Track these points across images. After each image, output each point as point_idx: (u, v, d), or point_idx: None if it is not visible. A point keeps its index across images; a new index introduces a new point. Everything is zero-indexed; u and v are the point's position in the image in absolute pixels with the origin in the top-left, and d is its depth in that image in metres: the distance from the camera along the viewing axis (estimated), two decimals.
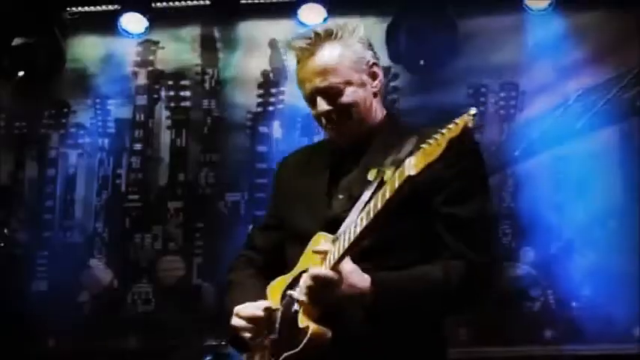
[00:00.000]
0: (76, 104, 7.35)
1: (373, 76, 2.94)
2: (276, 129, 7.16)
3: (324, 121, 2.90)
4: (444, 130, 2.35)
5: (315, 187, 2.95)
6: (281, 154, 6.80)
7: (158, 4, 7.09)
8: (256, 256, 3.15)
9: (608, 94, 6.69)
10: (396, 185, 2.43)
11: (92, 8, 7.17)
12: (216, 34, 7.33)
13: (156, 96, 7.33)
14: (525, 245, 6.61)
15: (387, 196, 2.46)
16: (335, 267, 2.58)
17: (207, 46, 7.32)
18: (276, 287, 2.91)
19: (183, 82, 7.31)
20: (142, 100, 7.33)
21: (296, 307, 2.72)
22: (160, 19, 7.11)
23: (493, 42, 6.80)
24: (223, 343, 5.76)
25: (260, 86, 7.22)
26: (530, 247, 6.60)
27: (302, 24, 6.87)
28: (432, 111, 6.62)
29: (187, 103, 7.29)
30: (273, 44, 7.17)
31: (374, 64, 2.94)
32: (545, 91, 6.75)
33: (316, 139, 6.80)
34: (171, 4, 7.15)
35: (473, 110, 2.34)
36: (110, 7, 7.12)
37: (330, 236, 2.71)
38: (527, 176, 6.71)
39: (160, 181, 7.22)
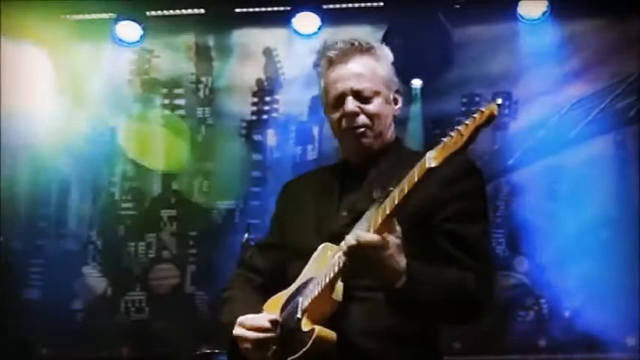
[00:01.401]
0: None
1: (395, 100, 3.00)
2: (271, 137, 7.16)
3: (344, 123, 2.92)
4: (467, 121, 2.36)
5: (321, 206, 2.97)
6: (275, 163, 6.99)
7: (153, 12, 7.09)
8: (254, 277, 3.13)
9: (602, 104, 6.70)
10: (416, 178, 2.44)
11: (87, 16, 7.17)
12: (211, 42, 7.33)
13: (151, 104, 7.32)
14: (519, 254, 6.62)
15: (406, 189, 2.46)
16: (379, 232, 2.55)
17: (202, 54, 7.32)
18: (274, 303, 2.91)
19: (177, 91, 7.31)
20: (136, 108, 7.33)
21: (299, 315, 2.73)
22: (154, 27, 7.11)
23: (487, 51, 6.82)
24: (217, 351, 5.76)
25: (254, 94, 7.22)
26: (524, 256, 6.61)
27: (296, 33, 6.90)
28: (425, 120, 6.64)
29: (182, 112, 7.29)
30: (267, 53, 7.18)
31: (398, 90, 3.02)
32: (539, 100, 6.76)
33: (309, 147, 6.95)
34: (165, 12, 7.15)
35: (499, 100, 2.36)
36: (105, 16, 7.12)
37: (336, 247, 2.72)
38: (520, 185, 6.72)
39: (154, 189, 7.22)
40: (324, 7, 6.86)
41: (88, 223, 7.19)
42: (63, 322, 6.99)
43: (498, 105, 2.34)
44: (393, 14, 6.78)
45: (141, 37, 7.09)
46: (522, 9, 6.73)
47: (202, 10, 7.12)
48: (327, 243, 2.80)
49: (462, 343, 6.39)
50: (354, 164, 2.99)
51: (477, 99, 6.87)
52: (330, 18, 6.82)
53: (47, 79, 7.16)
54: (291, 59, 7.07)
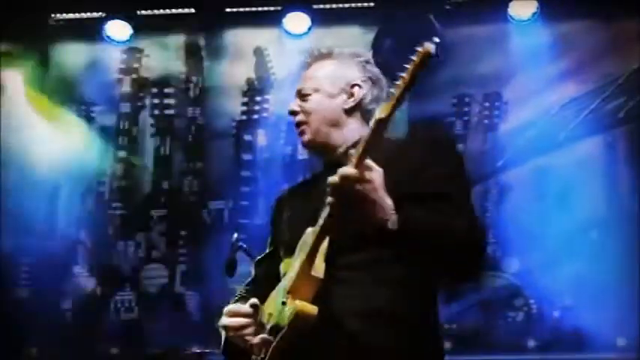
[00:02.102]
0: None
1: (350, 94, 3.00)
2: (261, 137, 7.16)
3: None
4: (407, 66, 2.40)
5: (311, 205, 2.94)
6: (265, 162, 6.98)
7: (143, 11, 7.08)
8: (253, 288, 3.13)
9: (592, 105, 6.71)
10: (369, 135, 2.46)
11: (77, 15, 7.16)
12: (202, 41, 7.33)
13: (140, 103, 7.32)
14: (508, 255, 6.62)
15: (361, 148, 2.46)
16: (357, 166, 2.49)
17: (192, 53, 7.31)
18: (272, 299, 2.88)
19: (167, 90, 7.30)
20: (126, 107, 7.32)
21: (283, 298, 2.71)
22: (145, 26, 7.11)
23: (477, 52, 6.81)
24: (207, 351, 5.76)
25: (245, 94, 7.22)
26: (514, 257, 6.62)
27: (287, 32, 6.90)
28: (416, 121, 6.63)
29: (172, 111, 7.29)
30: (258, 52, 7.18)
31: (356, 85, 3.00)
32: (529, 101, 6.77)
33: (300, 147, 6.92)
34: (156, 11, 7.14)
35: (436, 39, 2.38)
36: (95, 15, 7.11)
37: (317, 229, 2.69)
38: (510, 186, 6.73)
39: (144, 188, 7.21)
40: (315, 7, 6.87)
41: (77, 222, 7.18)
42: (52, 322, 6.98)
43: (435, 43, 2.36)
44: (383, 15, 6.79)
45: (131, 36, 7.10)
46: (512, 10, 6.74)
47: (193, 10, 7.11)
48: (310, 228, 2.77)
49: (451, 342, 6.39)
50: (334, 161, 2.98)
51: (468, 99, 6.89)
52: (321, 18, 6.83)
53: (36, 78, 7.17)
54: (282, 59, 7.08)
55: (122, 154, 7.27)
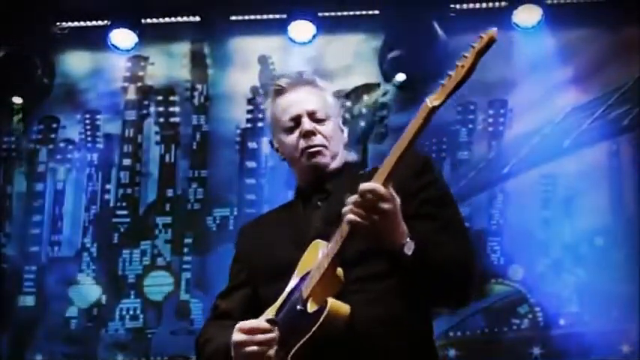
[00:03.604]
0: (65, 119, 7.34)
1: (342, 130, 3.06)
2: (265, 145, 7.16)
3: (303, 143, 2.94)
4: (466, 54, 2.42)
5: (290, 229, 2.96)
6: (270, 170, 6.99)
7: (148, 19, 7.09)
8: (226, 322, 3.01)
9: (596, 112, 6.71)
10: (420, 121, 2.49)
11: (82, 23, 7.17)
12: (206, 49, 7.33)
13: (145, 111, 7.32)
14: (513, 262, 6.61)
15: (413, 132, 2.49)
16: (385, 184, 2.51)
17: (197, 61, 7.32)
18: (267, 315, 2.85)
19: (172, 98, 7.30)
20: (131, 115, 7.32)
21: (300, 305, 2.67)
22: (149, 34, 7.12)
23: (482, 59, 6.79)
24: None
25: (249, 102, 7.23)
26: (519, 265, 6.61)
27: (292, 40, 6.90)
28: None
29: (176, 119, 7.29)
30: (262, 60, 7.19)
31: (344, 122, 3.10)
32: (534, 108, 6.77)
33: None
34: (161, 20, 7.16)
35: (495, 28, 2.40)
36: (100, 23, 7.12)
37: (326, 243, 2.69)
38: (515, 193, 6.72)
39: (149, 196, 7.21)
40: (320, 14, 6.87)
41: (82, 229, 7.18)
42: (57, 330, 6.98)
43: (495, 30, 2.39)
44: (387, 22, 6.80)
45: (136, 44, 7.09)
46: (517, 17, 6.74)
47: (198, 18, 7.12)
48: (317, 240, 2.76)
49: (455, 350, 6.39)
50: (312, 185, 3.00)
51: (472, 107, 6.89)
52: (326, 26, 6.83)
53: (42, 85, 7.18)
54: (287, 67, 7.07)
55: (127, 161, 7.27)
